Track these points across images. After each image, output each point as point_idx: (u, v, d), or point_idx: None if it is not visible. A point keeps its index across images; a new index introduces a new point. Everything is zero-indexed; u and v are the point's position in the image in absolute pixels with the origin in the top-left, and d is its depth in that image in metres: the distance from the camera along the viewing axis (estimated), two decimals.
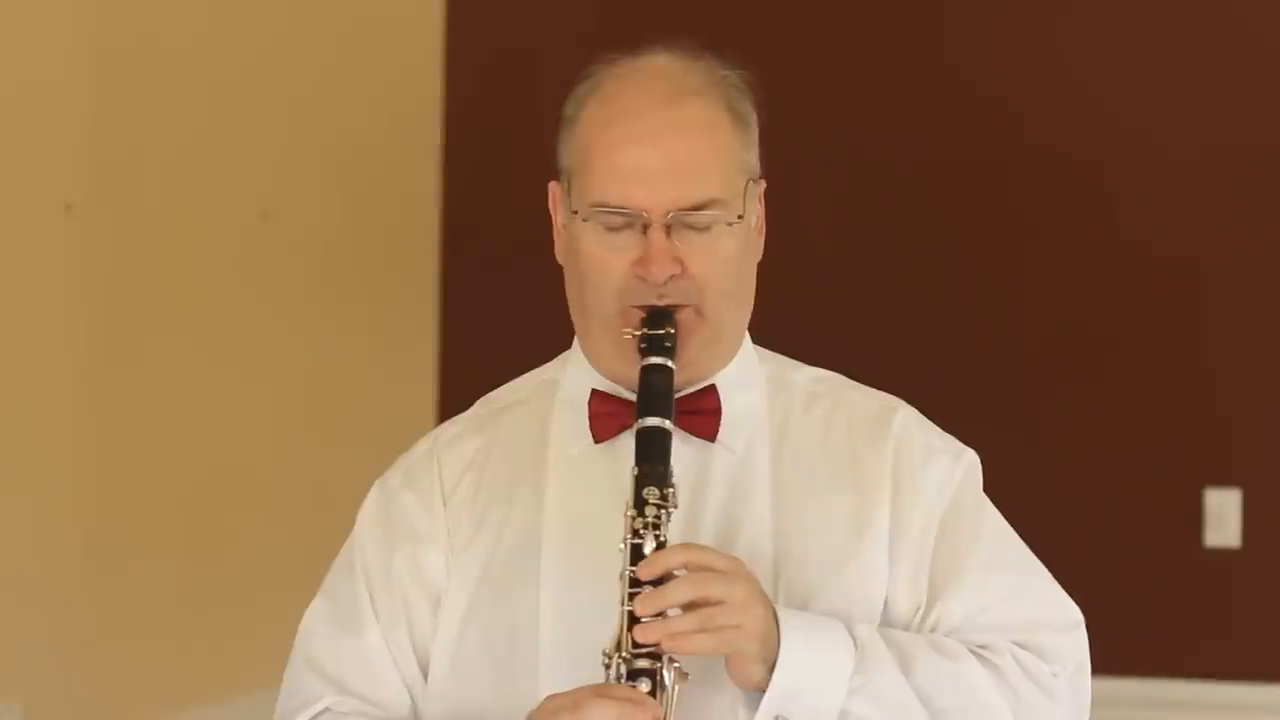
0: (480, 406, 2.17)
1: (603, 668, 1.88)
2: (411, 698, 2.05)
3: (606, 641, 1.88)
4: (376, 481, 2.14)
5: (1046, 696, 1.99)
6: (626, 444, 1.99)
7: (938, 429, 2.11)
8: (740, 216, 2.01)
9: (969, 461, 2.09)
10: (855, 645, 1.93)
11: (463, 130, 5.69)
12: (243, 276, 4.87)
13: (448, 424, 2.17)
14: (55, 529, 4.32)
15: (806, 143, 5.42)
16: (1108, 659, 4.98)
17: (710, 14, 5.39)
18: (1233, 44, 5.30)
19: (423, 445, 2.14)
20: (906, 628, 2.01)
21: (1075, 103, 5.37)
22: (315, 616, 2.09)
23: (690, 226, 1.98)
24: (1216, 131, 5.28)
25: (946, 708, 1.95)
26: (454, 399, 5.29)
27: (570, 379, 2.11)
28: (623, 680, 1.86)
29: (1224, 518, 5.22)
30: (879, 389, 2.16)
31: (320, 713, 2.04)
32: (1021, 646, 2.00)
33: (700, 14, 5.33)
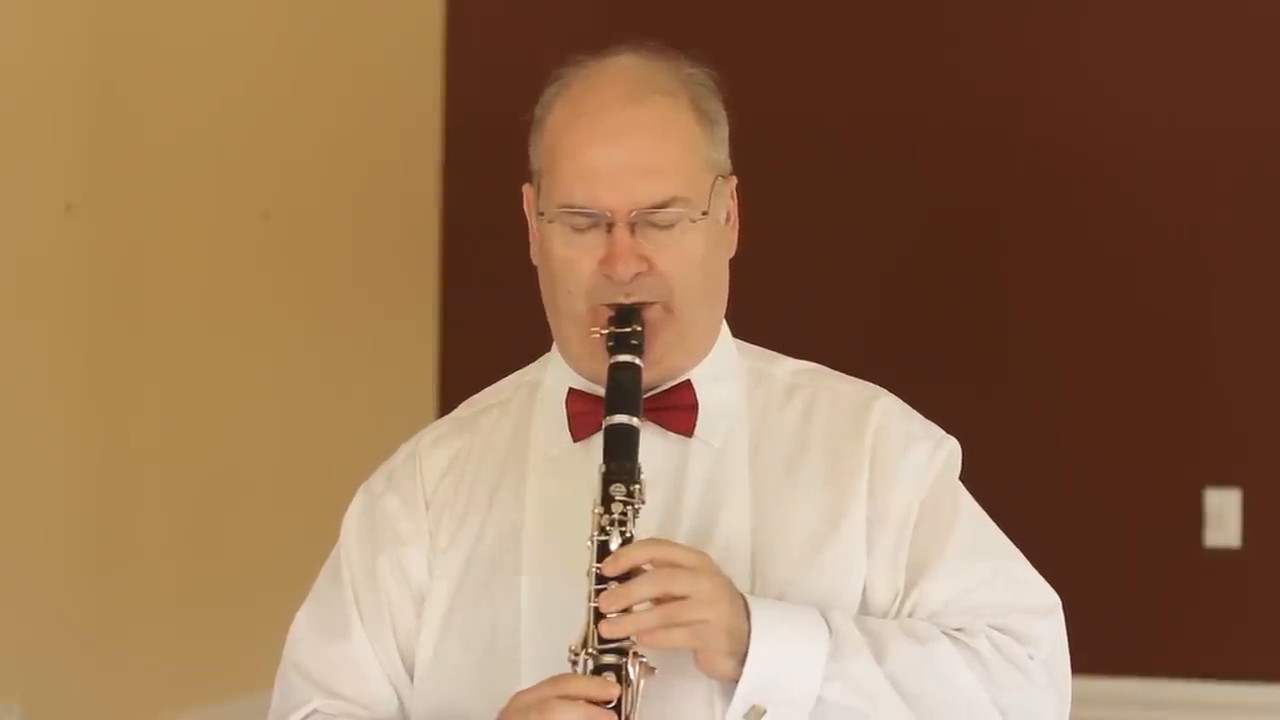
0: (463, 408, 2.20)
1: (569, 664, 1.89)
2: (399, 698, 2.08)
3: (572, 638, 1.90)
4: (361, 486, 2.17)
5: (1024, 677, 2.00)
6: None
7: (919, 416, 2.12)
8: (705, 213, 2.02)
9: (949, 448, 2.09)
10: (830, 632, 1.94)
11: (463, 130, 5.70)
12: (243, 276, 4.88)
13: (430, 427, 2.20)
14: (56, 529, 4.32)
15: (809, 141, 5.43)
16: (1108, 659, 5.02)
17: (711, 15, 5.39)
18: (1241, 41, 5.31)
19: (405, 449, 2.17)
20: (885, 614, 2.02)
21: (1077, 99, 5.37)
22: (303, 622, 2.13)
23: (654, 224, 2.00)
24: (1222, 131, 5.28)
25: (920, 692, 1.96)
26: (454, 399, 5.26)
27: (550, 379, 2.13)
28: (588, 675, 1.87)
29: (1224, 518, 5.22)
30: (879, 384, 2.16)
31: (308, 715, 2.08)
32: (997, 629, 2.01)
33: (700, 14, 5.34)
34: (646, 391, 2.03)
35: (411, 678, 2.08)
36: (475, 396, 2.20)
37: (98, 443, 4.43)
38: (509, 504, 2.08)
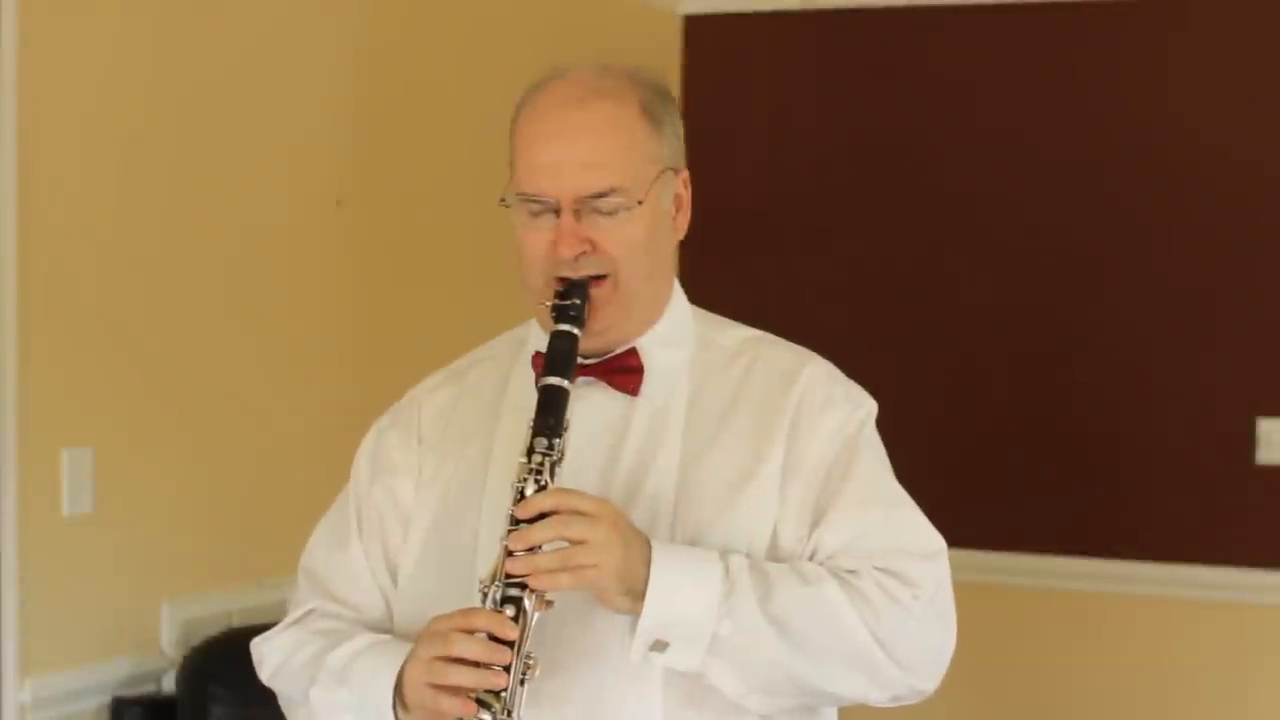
0: (461, 360, 2.50)
1: (479, 594, 2.13)
2: (386, 603, 2.38)
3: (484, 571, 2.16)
4: (375, 422, 2.48)
5: (905, 613, 2.20)
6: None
7: (845, 380, 2.35)
8: (641, 201, 2.24)
9: (866, 410, 2.32)
10: (726, 574, 2.16)
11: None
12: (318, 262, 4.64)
13: (430, 376, 2.50)
14: None
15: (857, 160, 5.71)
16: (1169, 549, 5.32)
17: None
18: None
19: (410, 394, 2.48)
20: (791, 556, 2.23)
21: (1131, 103, 5.59)
22: (316, 535, 2.46)
23: (597, 210, 2.22)
24: (1261, 105, 5.47)
25: (804, 628, 2.16)
26: None
27: (533, 338, 2.38)
28: (496, 605, 2.11)
29: (1273, 441, 5.50)
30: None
31: (308, 612, 2.40)
32: (884, 571, 2.21)
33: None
34: (599, 356, 2.29)
35: (396, 585, 2.37)
36: (476, 350, 2.49)
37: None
38: (481, 446, 2.36)
